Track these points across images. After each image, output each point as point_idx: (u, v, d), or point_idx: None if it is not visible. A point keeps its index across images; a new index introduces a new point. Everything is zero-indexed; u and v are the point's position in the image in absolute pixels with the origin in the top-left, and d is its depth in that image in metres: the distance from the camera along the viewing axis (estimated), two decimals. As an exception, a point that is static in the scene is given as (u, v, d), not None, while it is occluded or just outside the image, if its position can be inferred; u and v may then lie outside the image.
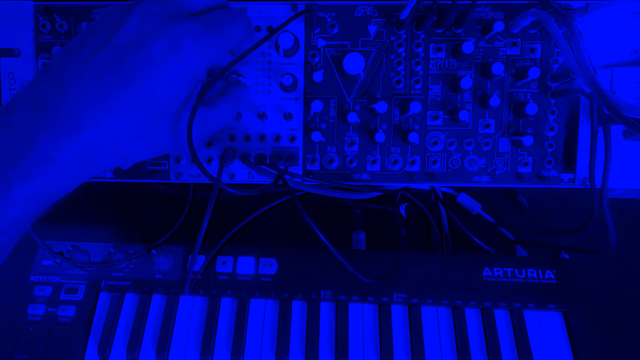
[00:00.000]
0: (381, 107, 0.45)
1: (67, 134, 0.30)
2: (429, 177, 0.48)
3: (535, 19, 0.43)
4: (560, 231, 0.51)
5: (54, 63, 0.33)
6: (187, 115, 0.36)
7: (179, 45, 0.33)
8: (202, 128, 0.39)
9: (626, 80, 0.46)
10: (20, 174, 0.29)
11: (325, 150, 0.49)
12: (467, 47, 0.44)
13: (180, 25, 0.34)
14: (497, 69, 0.44)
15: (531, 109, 0.45)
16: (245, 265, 0.54)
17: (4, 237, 0.31)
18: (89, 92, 0.31)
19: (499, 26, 0.44)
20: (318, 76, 0.46)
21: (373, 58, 0.47)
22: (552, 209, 0.60)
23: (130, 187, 0.61)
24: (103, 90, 0.31)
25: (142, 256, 0.55)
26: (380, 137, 0.46)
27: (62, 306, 0.52)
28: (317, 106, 0.46)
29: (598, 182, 0.44)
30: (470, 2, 0.43)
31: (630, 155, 0.47)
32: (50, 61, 0.34)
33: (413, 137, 0.46)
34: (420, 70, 0.47)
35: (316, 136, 0.47)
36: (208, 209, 0.52)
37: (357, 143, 0.48)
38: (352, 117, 0.46)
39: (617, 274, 0.54)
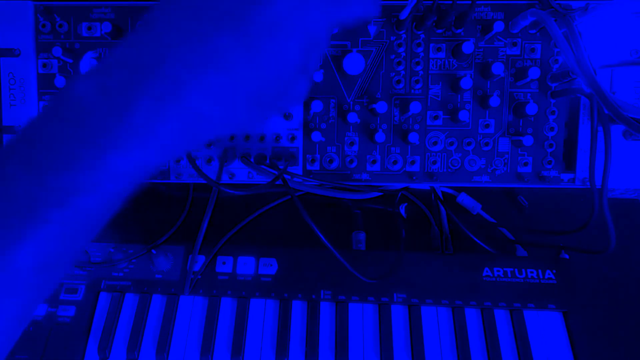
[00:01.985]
0: (381, 107, 0.45)
1: (170, 100, 0.26)
2: (429, 177, 0.48)
3: (535, 19, 0.43)
4: (560, 231, 0.51)
5: (153, 16, 0.28)
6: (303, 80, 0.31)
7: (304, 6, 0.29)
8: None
9: (626, 80, 0.46)
10: (116, 143, 0.25)
11: (325, 150, 0.49)
12: (467, 47, 0.44)
13: None
14: (497, 69, 0.44)
15: (531, 109, 0.45)
16: (245, 265, 0.54)
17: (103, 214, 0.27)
18: (194, 49, 0.27)
19: (499, 26, 0.44)
20: (318, 76, 0.46)
21: (373, 58, 0.47)
22: (552, 209, 0.60)
23: (130, 187, 0.61)
24: (217, 48, 0.27)
25: (142, 256, 0.55)
26: (380, 137, 0.46)
27: (62, 306, 0.52)
28: (317, 106, 0.46)
29: (598, 182, 0.44)
30: (470, 2, 0.43)
31: (630, 155, 0.47)
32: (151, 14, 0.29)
33: (413, 137, 0.46)
34: (420, 70, 0.47)
35: (316, 136, 0.47)
36: (208, 209, 0.53)
37: (357, 143, 0.48)
38: (352, 117, 0.46)
39: (617, 274, 0.54)
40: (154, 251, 0.54)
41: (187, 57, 0.27)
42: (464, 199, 0.60)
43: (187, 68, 0.27)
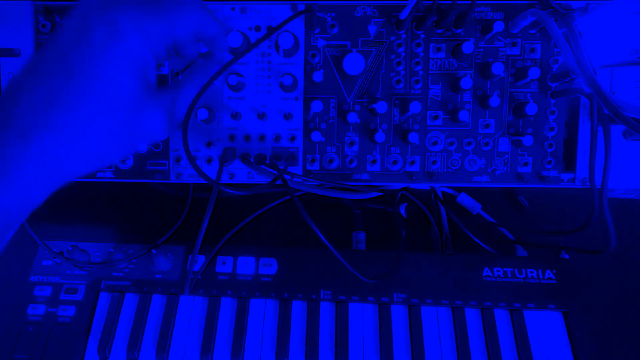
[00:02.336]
0: (381, 107, 0.45)
1: (17, 141, 0.29)
2: (429, 177, 0.48)
3: (535, 19, 0.43)
4: (560, 231, 0.51)
5: (16, 79, 0.32)
6: (149, 103, 0.34)
7: (116, 30, 0.31)
8: (170, 113, 0.37)
9: (626, 80, 0.46)
10: None
11: (325, 150, 0.49)
12: (467, 47, 0.44)
13: (116, 10, 0.32)
14: (497, 69, 0.44)
15: (531, 109, 0.45)
16: (245, 265, 0.54)
17: None
18: (36, 95, 0.30)
19: (499, 26, 0.44)
20: (318, 76, 0.46)
21: (373, 58, 0.47)
22: (552, 209, 0.60)
23: (130, 187, 0.61)
24: (49, 91, 0.30)
25: (142, 256, 0.55)
26: (380, 137, 0.46)
27: (62, 306, 0.52)
28: (317, 106, 0.46)
29: (598, 182, 0.44)
30: (470, 2, 0.43)
31: (630, 155, 0.47)
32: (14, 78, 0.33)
33: (413, 137, 0.46)
34: (420, 70, 0.47)
35: (316, 136, 0.47)
36: (208, 209, 0.53)
37: (357, 143, 0.48)
38: (352, 117, 0.46)
39: (617, 274, 0.54)
40: (154, 251, 0.54)
41: (31, 99, 0.30)
42: (464, 199, 0.60)
43: (30, 109, 0.29)
